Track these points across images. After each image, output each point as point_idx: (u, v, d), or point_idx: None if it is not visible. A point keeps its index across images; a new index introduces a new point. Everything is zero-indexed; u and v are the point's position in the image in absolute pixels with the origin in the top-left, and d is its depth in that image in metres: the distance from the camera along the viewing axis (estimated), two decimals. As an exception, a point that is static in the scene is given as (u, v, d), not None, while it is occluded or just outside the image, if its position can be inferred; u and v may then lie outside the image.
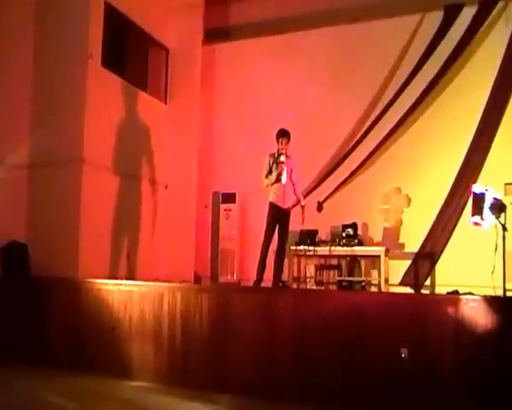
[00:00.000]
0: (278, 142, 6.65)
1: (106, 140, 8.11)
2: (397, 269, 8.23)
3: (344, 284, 8.08)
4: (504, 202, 5.99)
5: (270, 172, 6.61)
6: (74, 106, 7.78)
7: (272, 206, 6.68)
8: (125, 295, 6.42)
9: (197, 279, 8.92)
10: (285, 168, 6.61)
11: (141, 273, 8.12)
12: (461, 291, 5.52)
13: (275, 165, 6.58)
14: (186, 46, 9.82)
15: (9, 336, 6.89)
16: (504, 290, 5.47)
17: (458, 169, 8.17)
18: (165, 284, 6.49)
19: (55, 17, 8.06)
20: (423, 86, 8.52)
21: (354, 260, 8.30)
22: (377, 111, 8.83)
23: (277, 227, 6.69)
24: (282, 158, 6.58)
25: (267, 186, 6.68)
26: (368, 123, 8.88)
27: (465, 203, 7.51)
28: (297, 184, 6.86)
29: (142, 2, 8.90)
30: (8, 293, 7.11)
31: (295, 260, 8.44)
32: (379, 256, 7.85)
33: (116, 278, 6.89)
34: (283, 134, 6.63)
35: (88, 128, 7.77)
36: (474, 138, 8.15)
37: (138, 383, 6.09)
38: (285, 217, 6.72)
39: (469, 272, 7.10)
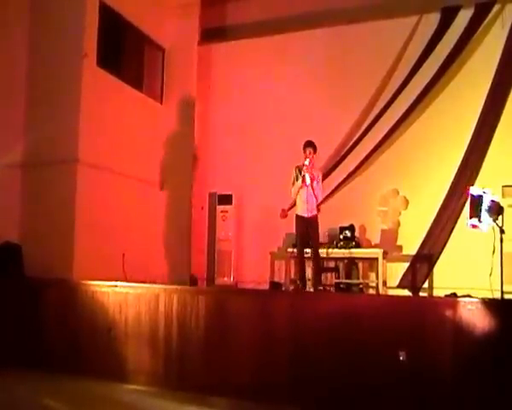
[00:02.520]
0: (304, 152, 6.91)
1: (101, 140, 8.05)
2: (395, 271, 8.21)
3: (342, 286, 8.05)
4: (502, 204, 6.00)
5: (296, 180, 6.93)
6: (69, 105, 7.76)
7: (297, 218, 6.97)
8: (121, 297, 6.39)
9: (193, 281, 8.86)
10: (307, 173, 6.83)
11: (136, 275, 8.04)
12: (459, 294, 5.52)
13: (299, 174, 6.90)
14: (182, 46, 9.78)
15: (3, 338, 6.81)
16: (502, 293, 5.47)
17: (456, 171, 8.16)
18: (162, 285, 6.47)
19: (50, 17, 8.04)
20: (421, 88, 8.51)
21: (352, 262, 8.27)
22: (375, 113, 8.81)
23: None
24: (306, 162, 6.83)
25: (295, 194, 6.97)
26: (365, 125, 8.86)
27: (463, 205, 7.48)
28: (318, 193, 6.94)
29: (138, 1, 8.87)
30: (2, 294, 7.03)
31: (292, 262, 8.39)
32: (377, 258, 7.83)
33: (111, 280, 6.83)
34: (307, 145, 6.93)
35: (83, 128, 7.73)
36: (471, 140, 8.15)
37: (134, 386, 6.05)
38: (310, 224, 6.88)
39: (467, 275, 7.09)
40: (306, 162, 6.83)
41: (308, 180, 6.83)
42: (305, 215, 6.86)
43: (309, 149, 6.89)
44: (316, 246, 6.90)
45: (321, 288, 6.85)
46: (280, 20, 9.59)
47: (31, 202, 7.87)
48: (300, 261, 6.92)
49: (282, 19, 9.59)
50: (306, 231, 6.88)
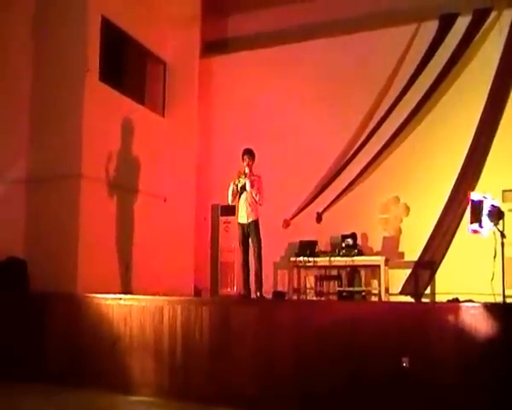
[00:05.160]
0: (243, 160, 6.95)
1: (104, 154, 8.12)
2: (397, 278, 8.22)
3: (344, 294, 8.08)
4: (502, 208, 5.99)
5: (235, 187, 6.99)
6: (72, 120, 7.82)
7: (238, 225, 6.97)
8: (125, 310, 6.42)
9: (197, 292, 8.90)
10: (247, 180, 6.85)
11: (140, 287, 8.09)
12: (461, 299, 5.53)
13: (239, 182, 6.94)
14: (183, 59, 9.88)
15: (9, 352, 6.85)
16: (504, 297, 5.46)
17: (456, 177, 8.17)
18: (165, 297, 6.48)
19: (52, 32, 8.13)
20: (420, 95, 8.55)
21: (354, 270, 8.30)
22: (375, 121, 8.86)
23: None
24: (246, 170, 6.89)
25: (232, 201, 7.07)
26: (365, 133, 8.89)
27: (463, 211, 7.49)
28: (259, 199, 6.86)
29: (140, 16, 8.97)
30: (7, 309, 7.08)
31: (295, 271, 8.44)
32: (379, 266, 7.89)
33: (115, 293, 6.88)
34: (244, 153, 6.96)
35: (86, 142, 7.80)
36: (471, 146, 8.17)
37: (139, 397, 6.06)
38: (250, 229, 6.81)
39: (469, 280, 7.12)
40: (247, 170, 6.85)
41: (248, 187, 6.82)
42: (244, 222, 6.84)
43: (246, 157, 6.91)
44: (257, 251, 6.74)
45: (258, 294, 6.68)
46: (280, 32, 9.68)
47: (35, 218, 7.91)
48: (243, 270, 6.83)
49: (282, 31, 9.68)
50: (247, 237, 6.82)
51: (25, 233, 7.92)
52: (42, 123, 8.04)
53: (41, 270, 7.37)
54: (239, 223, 6.92)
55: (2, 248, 7.52)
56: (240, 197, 6.90)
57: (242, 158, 6.93)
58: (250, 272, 6.84)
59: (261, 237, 6.80)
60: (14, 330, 6.94)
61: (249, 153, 6.96)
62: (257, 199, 6.81)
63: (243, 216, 6.85)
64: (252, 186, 6.80)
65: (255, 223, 6.83)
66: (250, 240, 6.83)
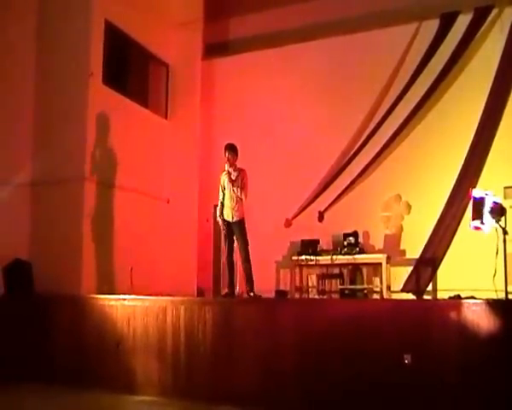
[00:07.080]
0: (225, 155, 6.80)
1: (107, 157, 8.19)
2: (398, 276, 8.22)
3: (346, 292, 8.10)
4: (504, 205, 5.99)
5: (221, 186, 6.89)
6: (76, 124, 7.90)
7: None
8: (129, 310, 6.46)
9: (200, 293, 8.94)
10: (226, 178, 6.75)
11: (144, 288, 8.14)
12: (463, 296, 5.53)
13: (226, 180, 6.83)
14: (186, 61, 9.94)
15: (14, 353, 6.92)
16: (506, 293, 5.46)
17: (458, 174, 8.16)
18: (169, 297, 6.51)
19: (56, 36, 8.22)
20: (421, 94, 8.55)
21: (356, 268, 8.31)
22: (376, 120, 8.86)
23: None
24: (226, 167, 6.77)
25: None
26: (367, 132, 8.90)
27: (465, 208, 7.50)
28: (242, 195, 6.73)
29: (142, 19, 9.04)
30: (13, 311, 7.16)
31: (297, 270, 8.47)
32: (380, 264, 7.91)
33: (119, 294, 6.93)
34: (225, 148, 6.80)
35: (90, 145, 7.87)
36: (472, 143, 8.17)
37: (143, 397, 6.10)
38: (235, 228, 6.73)
39: (471, 277, 7.10)
40: (226, 167, 6.74)
41: (226, 184, 6.71)
42: (229, 219, 6.72)
43: (227, 153, 6.73)
44: (243, 252, 6.64)
45: (251, 294, 6.58)
46: (281, 33, 9.71)
47: (40, 220, 7.99)
48: (228, 268, 6.77)
49: (283, 32, 9.71)
50: (232, 234, 6.72)
51: (30, 235, 8.00)
52: (46, 126, 8.13)
53: (46, 271, 7.44)
54: (223, 219, 6.77)
55: (8, 250, 7.59)
56: (224, 194, 6.78)
57: (224, 154, 6.77)
58: (235, 270, 6.82)
59: (248, 238, 6.67)
60: (19, 330, 7.01)
61: (230, 148, 6.76)
62: (239, 195, 6.66)
63: (228, 213, 6.72)
64: (232, 184, 6.65)
65: (240, 223, 6.69)
66: (235, 238, 6.71)
